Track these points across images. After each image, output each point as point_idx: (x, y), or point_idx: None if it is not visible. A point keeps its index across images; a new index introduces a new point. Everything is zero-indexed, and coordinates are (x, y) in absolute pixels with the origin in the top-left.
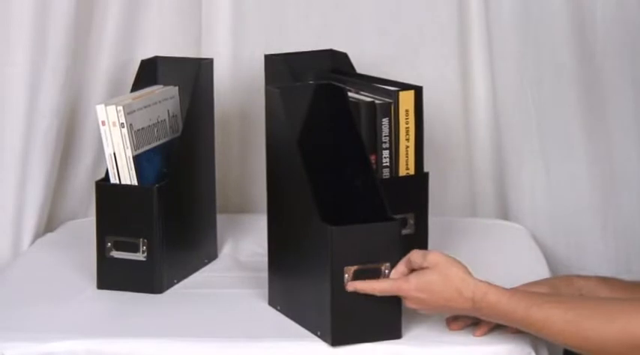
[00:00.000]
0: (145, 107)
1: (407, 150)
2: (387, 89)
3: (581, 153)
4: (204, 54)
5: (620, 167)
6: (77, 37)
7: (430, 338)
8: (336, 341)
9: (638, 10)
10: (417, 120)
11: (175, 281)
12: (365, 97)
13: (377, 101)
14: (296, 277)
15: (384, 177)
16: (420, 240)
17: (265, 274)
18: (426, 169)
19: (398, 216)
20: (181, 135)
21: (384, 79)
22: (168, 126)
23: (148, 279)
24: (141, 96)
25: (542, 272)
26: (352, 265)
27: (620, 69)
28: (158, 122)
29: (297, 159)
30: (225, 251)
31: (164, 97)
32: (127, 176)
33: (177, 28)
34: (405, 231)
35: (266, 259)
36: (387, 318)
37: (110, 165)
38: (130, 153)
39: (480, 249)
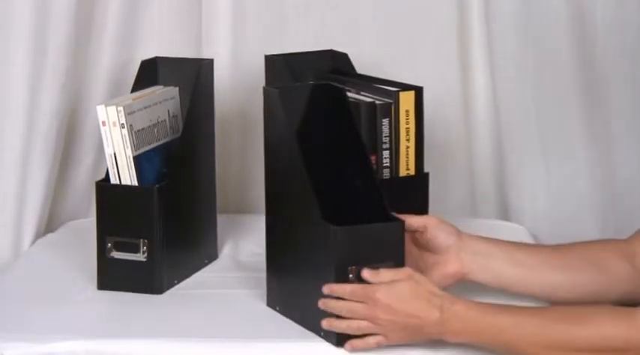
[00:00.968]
0: (145, 107)
1: (407, 151)
2: (387, 89)
3: (581, 153)
4: (204, 54)
5: (620, 167)
6: (77, 37)
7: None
8: (340, 341)
9: (638, 10)
10: (417, 121)
11: (175, 281)
12: (365, 98)
13: (377, 101)
14: (297, 277)
15: (385, 178)
16: None
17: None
18: (426, 169)
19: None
20: (181, 135)
21: (384, 79)
22: (168, 127)
23: (148, 280)
24: (141, 97)
25: None
26: (356, 265)
27: (620, 69)
28: (158, 122)
29: (298, 160)
30: (226, 251)
31: (164, 98)
32: (128, 176)
33: (177, 28)
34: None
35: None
36: None
37: (110, 165)
38: (130, 154)
39: None
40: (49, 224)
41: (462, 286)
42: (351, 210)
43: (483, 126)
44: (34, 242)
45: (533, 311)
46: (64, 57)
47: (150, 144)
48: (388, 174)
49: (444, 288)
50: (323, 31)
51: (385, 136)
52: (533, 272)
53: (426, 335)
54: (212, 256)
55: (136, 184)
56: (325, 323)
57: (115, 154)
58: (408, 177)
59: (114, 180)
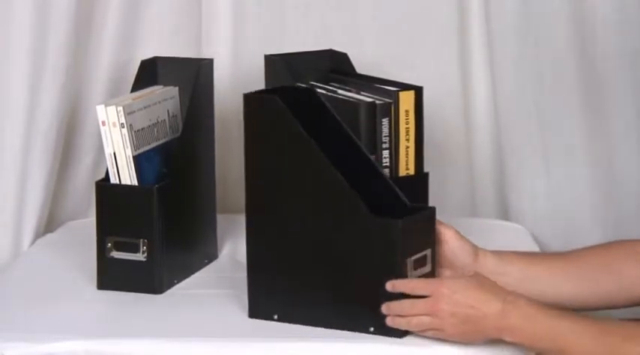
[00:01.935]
0: (145, 107)
1: (407, 151)
2: (387, 89)
3: (581, 153)
4: (204, 54)
5: (620, 168)
6: (77, 37)
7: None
8: (394, 334)
9: (638, 10)
10: (417, 121)
11: (175, 281)
12: (365, 97)
13: (377, 101)
14: (324, 278)
15: None
16: None
17: None
18: (426, 169)
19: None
20: (181, 135)
21: (384, 79)
22: (168, 127)
23: (148, 280)
24: (141, 97)
25: None
26: (411, 256)
27: (620, 69)
28: (158, 122)
29: (321, 159)
30: (226, 251)
31: (164, 97)
32: (127, 176)
33: (177, 28)
34: None
35: None
36: None
37: (110, 165)
38: (130, 153)
39: None
40: (49, 224)
41: None
42: (377, 204)
43: (483, 126)
44: (33, 242)
45: (591, 321)
46: (64, 56)
47: (150, 144)
48: (388, 174)
49: None
50: (323, 31)
51: (385, 136)
52: (549, 287)
53: (484, 332)
54: (212, 256)
55: (136, 184)
56: (389, 321)
57: (114, 154)
58: (408, 177)
59: (114, 180)
